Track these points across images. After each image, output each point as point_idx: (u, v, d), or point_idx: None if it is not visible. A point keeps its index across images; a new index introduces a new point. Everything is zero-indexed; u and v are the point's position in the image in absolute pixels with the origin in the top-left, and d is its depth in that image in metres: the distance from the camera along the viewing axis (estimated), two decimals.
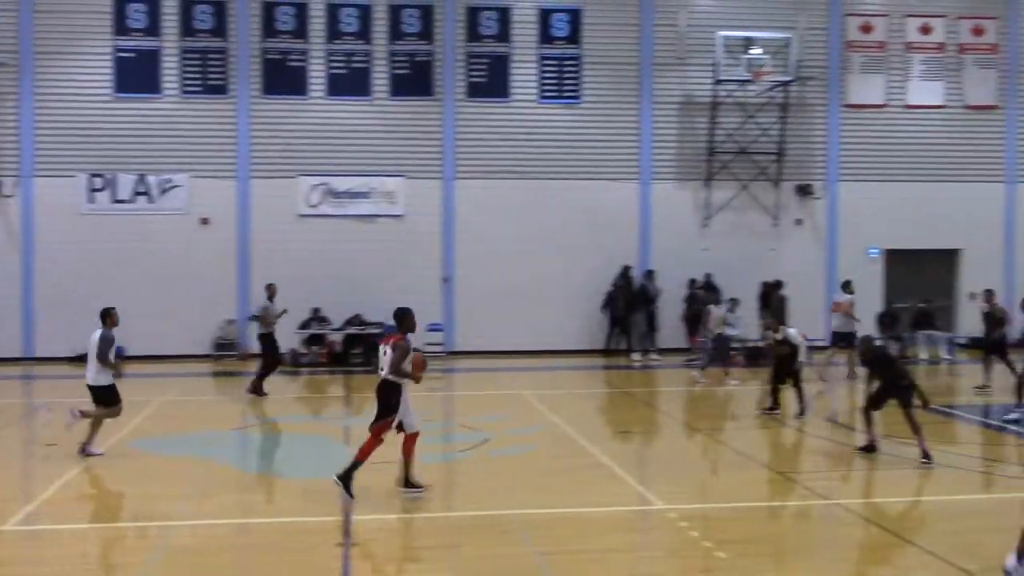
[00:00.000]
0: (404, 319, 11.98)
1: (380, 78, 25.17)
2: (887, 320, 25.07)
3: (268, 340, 18.91)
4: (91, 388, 13.46)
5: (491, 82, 25.47)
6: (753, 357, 23.78)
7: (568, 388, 20.77)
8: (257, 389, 18.57)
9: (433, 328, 24.91)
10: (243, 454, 14.65)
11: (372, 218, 25.18)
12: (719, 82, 25.24)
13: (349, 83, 25.04)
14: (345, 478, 10.91)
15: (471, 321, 25.24)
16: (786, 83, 25.40)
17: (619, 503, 11.15)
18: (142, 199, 24.48)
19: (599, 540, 9.81)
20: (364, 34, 25.12)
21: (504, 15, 25.53)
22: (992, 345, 19.45)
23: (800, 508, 11.30)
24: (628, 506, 11.13)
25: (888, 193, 26.58)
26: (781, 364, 16.63)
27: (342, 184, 24.99)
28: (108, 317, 13.56)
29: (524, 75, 25.62)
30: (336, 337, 24.24)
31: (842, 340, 20.97)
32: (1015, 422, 15.86)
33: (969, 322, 26.92)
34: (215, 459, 13.43)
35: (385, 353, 11.38)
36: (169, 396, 18.96)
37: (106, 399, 13.47)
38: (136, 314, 23.81)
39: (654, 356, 24.63)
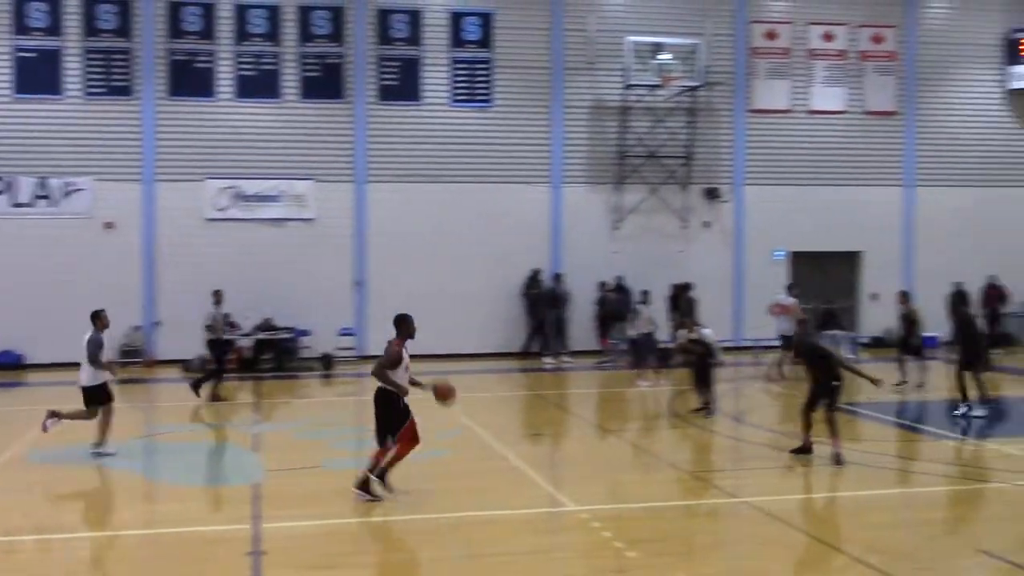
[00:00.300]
0: (402, 324, 11.79)
1: (290, 80, 24.91)
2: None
3: (217, 347, 18.93)
4: (84, 389, 13.62)
5: (402, 85, 25.39)
6: (663, 358, 24.09)
7: (481, 391, 20.77)
8: (215, 396, 18.58)
9: (345, 332, 24.75)
10: (149, 463, 14.35)
11: (282, 222, 24.91)
12: (629, 87, 25.54)
13: (258, 85, 24.73)
14: (380, 478, 11.06)
15: (384, 325, 24.88)
16: (694, 88, 25.81)
17: (532, 505, 11.20)
18: (43, 203, 23.84)
19: (512, 543, 9.85)
20: (273, 36, 24.83)
21: (415, 18, 25.48)
22: (909, 345, 20.05)
23: (709, 507, 11.49)
24: (540, 508, 11.19)
25: (793, 196, 27.18)
26: (697, 364, 16.88)
27: (251, 187, 24.66)
28: (98, 319, 13.75)
29: (436, 78, 25.60)
30: (246, 343, 23.89)
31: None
32: (963, 416, 16.37)
33: (871, 322, 27.74)
34: (120, 469, 13.14)
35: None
36: (72, 405, 18.46)
37: (99, 399, 13.60)
38: (38, 321, 23.33)
39: (566, 359, 24.81)
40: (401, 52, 25.38)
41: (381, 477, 11.25)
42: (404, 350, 11.48)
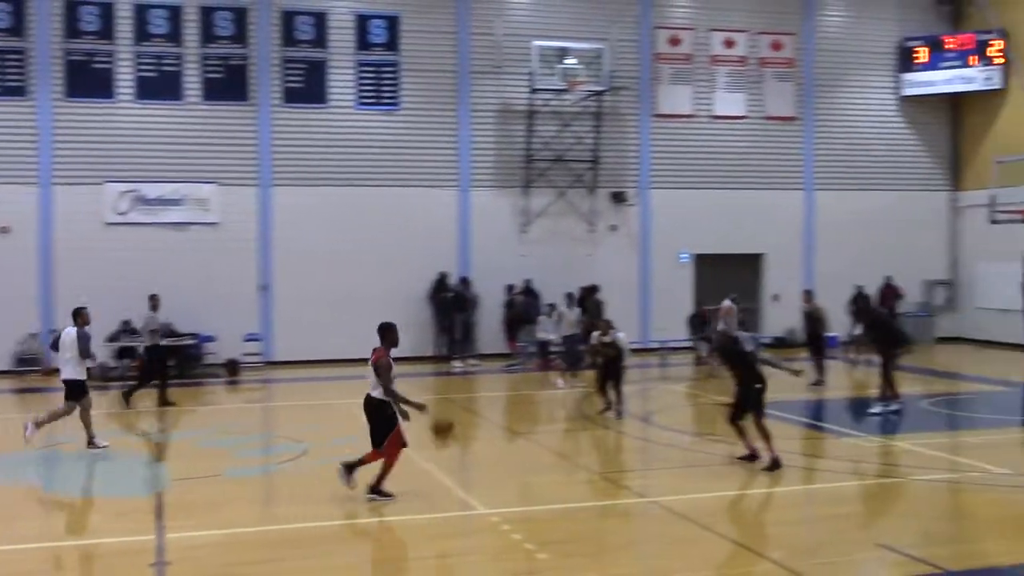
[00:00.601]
0: (387, 333, 11.75)
1: (192, 82, 24.45)
2: (696, 322, 26.22)
3: (155, 352, 18.79)
4: (66, 382, 14.50)
5: (308, 87, 25.12)
6: (573, 361, 24.26)
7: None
8: (165, 401, 18.57)
9: (250, 338, 24.38)
10: (49, 475, 13.92)
11: (185, 226, 24.42)
12: (535, 91, 25.66)
13: (159, 86, 24.20)
14: (348, 469, 11.27)
15: (290, 330, 24.80)
16: (599, 92, 26.05)
17: (441, 509, 11.18)
18: None
19: (423, 547, 9.82)
20: (174, 36, 24.33)
21: (320, 20, 25.23)
22: (814, 343, 20.52)
23: (619, 507, 11.60)
24: (450, 512, 11.17)
25: (697, 200, 27.63)
26: (607, 366, 17.03)
27: (152, 191, 24.13)
28: (79, 316, 14.72)
29: (341, 81, 25.39)
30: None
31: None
32: (878, 415, 16.78)
33: (773, 322, 28.34)
34: (19, 481, 12.73)
35: (372, 368, 11.38)
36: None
37: (77, 393, 14.42)
38: None
39: (473, 362, 24.82)
40: (306, 54, 25.11)
41: (349, 469, 11.32)
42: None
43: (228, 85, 24.59)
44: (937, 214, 29.90)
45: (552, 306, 24.38)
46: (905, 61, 29.16)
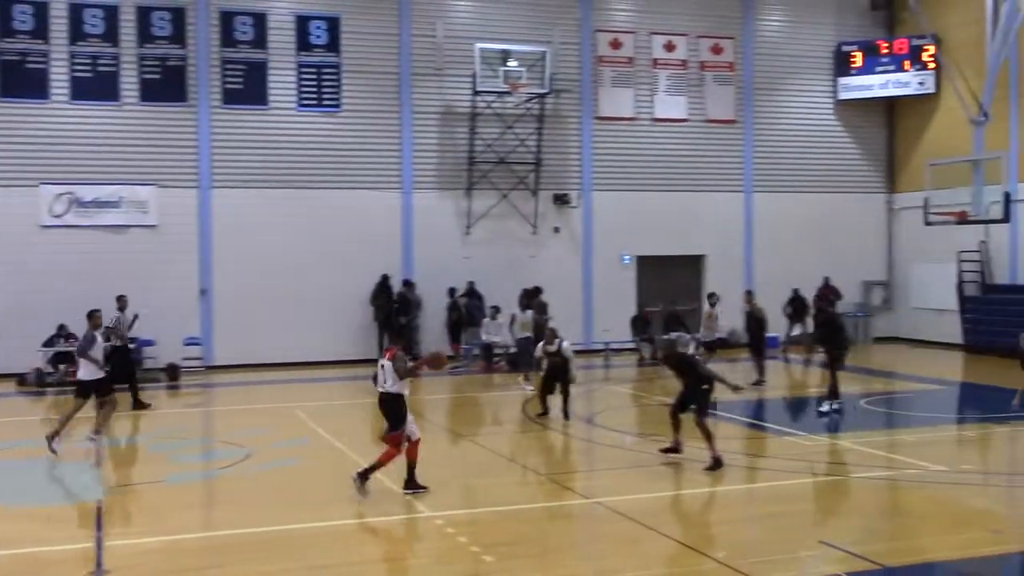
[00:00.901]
0: (398, 338, 12.92)
1: (129, 82, 24.09)
2: (639, 323, 26.38)
3: (122, 353, 18.63)
4: (78, 382, 15.18)
5: (248, 89, 24.87)
6: (514, 363, 24.29)
7: (334, 399, 20.53)
8: (139, 404, 18.59)
9: (191, 342, 24.08)
10: None
11: (123, 228, 24.06)
12: (477, 93, 25.66)
13: (95, 87, 23.82)
14: (364, 476, 11.59)
15: (231, 334, 24.54)
16: (542, 95, 26.12)
17: (387, 513, 11.12)
18: None
19: (367, 551, 9.76)
20: (111, 36, 23.95)
21: (260, 21, 25.00)
22: (756, 343, 20.72)
23: (563, 508, 11.62)
24: (396, 515, 11.12)
25: (639, 202, 27.82)
26: (553, 373, 16.99)
27: (89, 193, 23.74)
28: (91, 318, 15.44)
29: (282, 82, 25.18)
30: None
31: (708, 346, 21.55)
32: (826, 415, 16.97)
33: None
34: None
35: (383, 367, 11.85)
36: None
37: (90, 393, 15.05)
38: None
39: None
40: (246, 55, 24.87)
41: (364, 475, 11.65)
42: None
43: (166, 86, 24.27)
44: (874, 216, 30.43)
45: (496, 308, 24.40)
46: (842, 66, 29.63)
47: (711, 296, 22.49)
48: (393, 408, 11.84)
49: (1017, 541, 10.02)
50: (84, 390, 15.13)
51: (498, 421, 18.42)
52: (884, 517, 11.06)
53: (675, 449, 13.41)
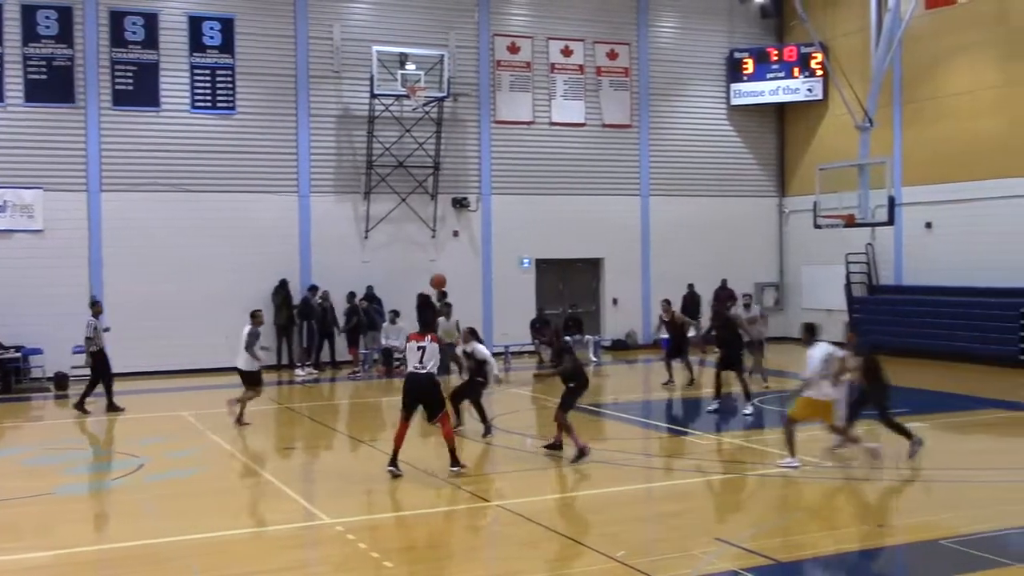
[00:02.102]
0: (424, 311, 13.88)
1: (13, 83, 23.33)
2: (538, 325, 26.53)
3: (99, 358, 18.75)
4: (241, 372, 17.39)
5: (139, 90, 24.31)
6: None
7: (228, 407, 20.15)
8: (113, 407, 18.88)
9: (80, 350, 23.35)
10: None
11: (7, 233, 23.28)
12: (375, 96, 25.53)
13: None
14: (456, 463, 12.71)
15: (124, 341, 23.84)
16: (440, 99, 26.11)
17: (285, 520, 10.98)
18: None
19: (266, 560, 9.63)
20: None
21: (151, 21, 24.46)
22: (679, 350, 21.00)
23: (464, 512, 11.63)
24: (295, 523, 10.99)
25: (537, 206, 28.02)
26: (469, 379, 16.75)
27: None
28: (254, 317, 17.51)
29: (175, 84, 24.67)
30: None
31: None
32: (750, 415, 17.24)
33: (613, 325, 28.97)
34: None
35: (420, 349, 12.50)
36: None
37: (253, 381, 17.40)
38: None
39: (311, 370, 24.47)
40: (137, 56, 24.31)
41: (457, 463, 12.78)
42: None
43: (53, 86, 23.58)
44: (766, 219, 31.18)
45: (395, 312, 24.30)
46: (734, 72, 30.30)
47: (746, 296, 22.79)
48: (436, 389, 12.62)
49: (901, 534, 10.38)
50: (251, 378, 17.24)
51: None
52: (777, 513, 11.34)
53: (556, 445, 14.03)
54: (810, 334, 13.37)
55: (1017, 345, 23.41)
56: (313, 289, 25.06)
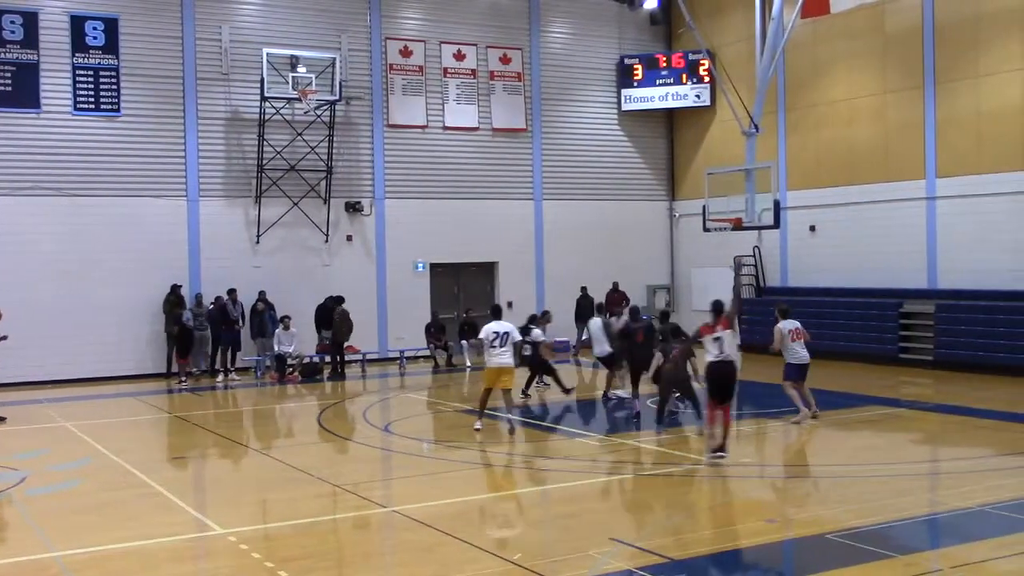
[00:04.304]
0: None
1: None
2: (433, 330, 26.48)
3: None
4: (599, 358, 19.44)
5: (18, 91, 23.48)
6: (310, 373, 23.97)
7: (118, 416, 19.66)
8: None
9: None
10: None
11: None
12: (266, 99, 25.16)
13: None
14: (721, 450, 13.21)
15: (3, 350, 23.02)
16: (332, 102, 25.86)
17: (176, 532, 10.73)
18: None
19: (157, 572, 9.40)
20: None
21: (31, 20, 23.66)
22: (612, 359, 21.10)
23: (360, 518, 11.53)
24: (186, 534, 10.75)
25: (431, 210, 27.97)
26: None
27: None
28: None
29: (56, 85, 23.91)
30: None
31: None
32: (676, 413, 17.40)
33: None
34: None
35: (717, 340, 13.24)
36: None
37: (609, 363, 19.05)
38: None
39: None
40: (16, 55, 23.49)
41: (718, 449, 13.19)
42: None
43: None
44: (658, 222, 31.69)
45: (287, 317, 24.01)
46: (624, 78, 30.73)
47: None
48: (735, 376, 13.12)
49: (790, 529, 10.66)
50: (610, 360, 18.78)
51: (291, 433, 18.12)
52: (672, 512, 11.52)
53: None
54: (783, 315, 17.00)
55: (896, 344, 24.30)
56: (232, 293, 24.37)
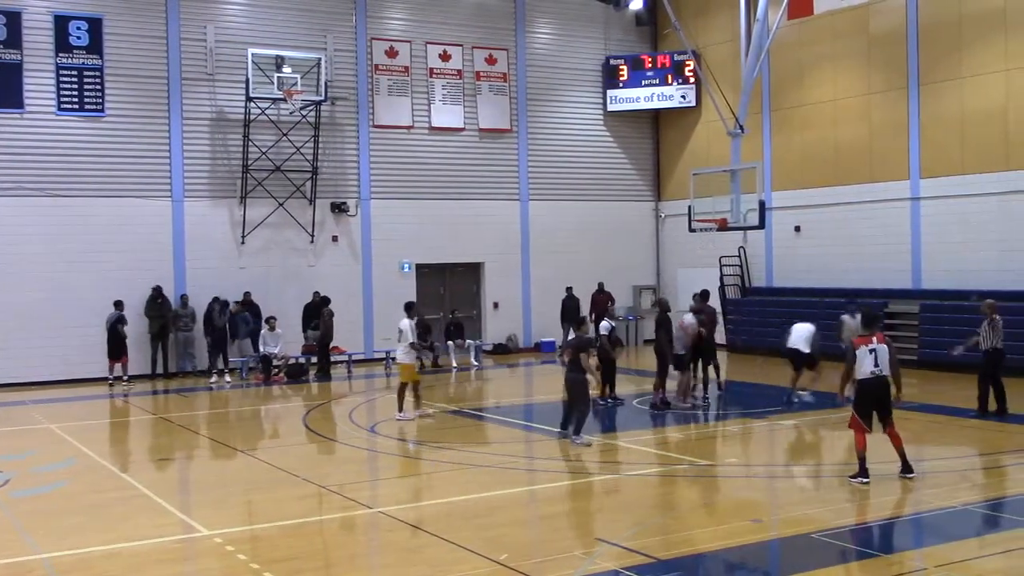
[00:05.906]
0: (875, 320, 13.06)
1: None
2: (419, 330, 26.46)
3: None
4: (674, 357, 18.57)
5: (1, 91, 23.35)
6: (295, 374, 23.93)
7: (102, 418, 19.60)
8: None
9: None
10: None
11: None
12: (251, 99, 25.09)
13: None
14: (907, 468, 12.21)
15: None
16: (317, 103, 25.81)
17: (162, 534, 10.71)
18: None
19: (142, 575, 9.38)
20: None
21: (14, 20, 23.54)
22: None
23: (345, 519, 11.53)
24: (172, 536, 10.72)
25: (417, 210, 27.95)
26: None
27: None
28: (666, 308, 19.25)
29: (40, 85, 23.79)
30: None
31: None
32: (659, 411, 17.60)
33: (494, 329, 29.08)
34: None
35: (872, 352, 12.02)
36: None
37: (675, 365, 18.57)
38: None
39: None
40: None
41: (904, 466, 12.24)
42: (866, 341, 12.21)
43: None
44: (643, 223, 31.74)
45: (273, 318, 23.96)
46: (610, 78, 30.78)
47: (852, 307, 20.56)
48: (889, 392, 12.15)
49: (774, 529, 10.70)
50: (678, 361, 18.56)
51: (277, 434, 18.08)
52: (657, 512, 11.55)
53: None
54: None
55: None
56: (208, 301, 24.30)
